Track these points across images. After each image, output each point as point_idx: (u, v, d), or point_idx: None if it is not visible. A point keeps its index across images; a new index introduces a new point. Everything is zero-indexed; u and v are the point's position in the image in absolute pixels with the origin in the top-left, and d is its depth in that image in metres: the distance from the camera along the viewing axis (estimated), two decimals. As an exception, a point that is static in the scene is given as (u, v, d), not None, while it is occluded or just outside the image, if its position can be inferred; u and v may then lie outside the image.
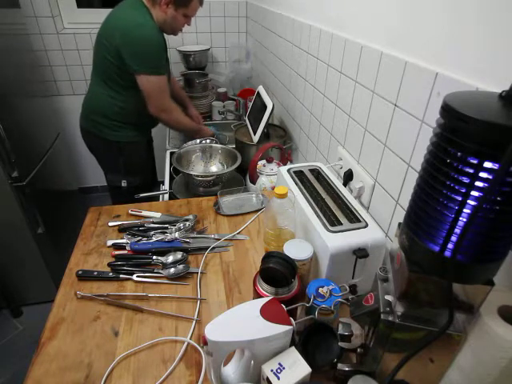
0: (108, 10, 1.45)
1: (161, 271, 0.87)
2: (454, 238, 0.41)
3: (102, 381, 0.64)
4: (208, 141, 1.64)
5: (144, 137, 1.67)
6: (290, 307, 0.60)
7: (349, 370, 0.61)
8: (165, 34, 1.49)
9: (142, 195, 1.30)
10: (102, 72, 1.44)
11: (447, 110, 0.39)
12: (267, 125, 1.46)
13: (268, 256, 0.67)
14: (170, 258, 0.90)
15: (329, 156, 1.19)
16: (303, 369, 0.54)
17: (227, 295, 0.83)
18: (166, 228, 1.00)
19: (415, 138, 0.71)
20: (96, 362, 0.68)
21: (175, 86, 1.80)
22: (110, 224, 1.03)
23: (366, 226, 0.77)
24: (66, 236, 1.95)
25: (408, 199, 0.48)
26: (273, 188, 1.24)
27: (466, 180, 0.38)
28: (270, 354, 0.56)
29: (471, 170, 0.37)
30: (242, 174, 1.47)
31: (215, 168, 1.52)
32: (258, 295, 0.66)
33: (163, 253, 0.91)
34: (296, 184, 0.93)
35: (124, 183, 1.64)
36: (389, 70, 0.79)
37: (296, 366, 0.54)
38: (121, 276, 0.86)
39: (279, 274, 0.64)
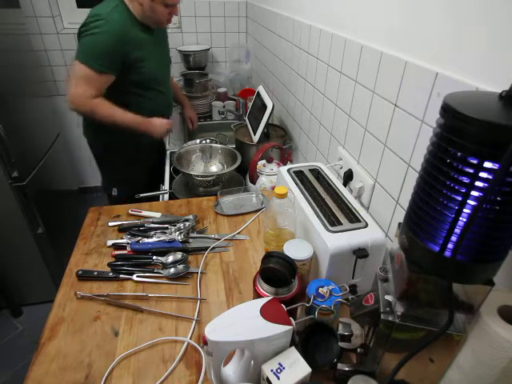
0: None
1: (161, 271, 0.87)
2: (453, 238, 0.41)
3: (102, 381, 0.64)
4: (208, 141, 1.64)
5: (131, 144, 1.49)
6: (290, 307, 0.60)
7: (349, 370, 0.61)
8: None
9: (142, 195, 1.30)
10: None
11: (447, 110, 0.39)
12: (267, 125, 1.46)
13: (268, 256, 0.67)
14: (170, 258, 0.90)
15: (329, 156, 1.19)
16: (303, 369, 0.54)
17: (227, 295, 0.83)
18: (166, 228, 1.00)
19: (415, 138, 0.71)
20: (96, 362, 0.68)
21: (173, 86, 1.74)
22: (110, 224, 1.03)
23: (366, 226, 0.77)
24: (66, 236, 1.94)
25: (408, 199, 0.48)
26: (273, 188, 1.24)
27: (466, 180, 0.38)
28: (270, 353, 0.56)
29: (471, 170, 0.37)
30: (242, 174, 1.47)
31: (215, 168, 1.52)
32: (258, 295, 0.66)
33: (163, 253, 0.91)
34: (296, 184, 0.93)
35: (114, 192, 1.59)
36: (389, 70, 0.79)
37: (296, 365, 0.54)
38: (121, 276, 0.86)
39: (279, 273, 0.64)
